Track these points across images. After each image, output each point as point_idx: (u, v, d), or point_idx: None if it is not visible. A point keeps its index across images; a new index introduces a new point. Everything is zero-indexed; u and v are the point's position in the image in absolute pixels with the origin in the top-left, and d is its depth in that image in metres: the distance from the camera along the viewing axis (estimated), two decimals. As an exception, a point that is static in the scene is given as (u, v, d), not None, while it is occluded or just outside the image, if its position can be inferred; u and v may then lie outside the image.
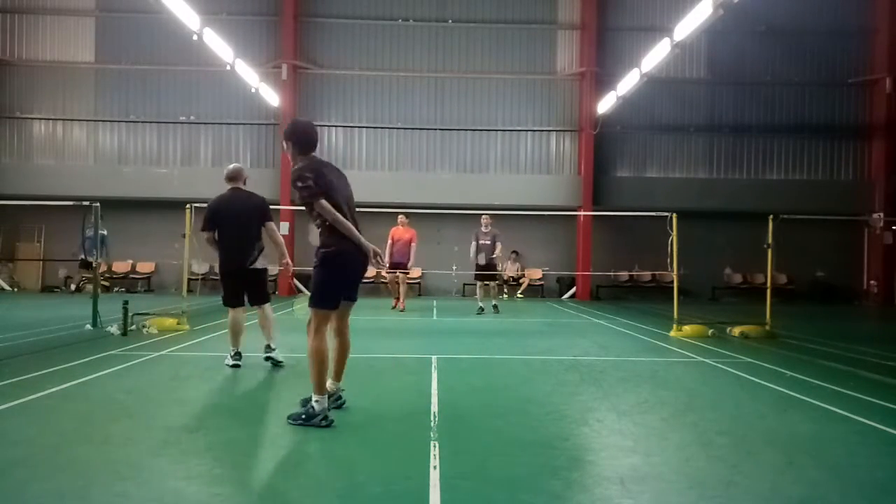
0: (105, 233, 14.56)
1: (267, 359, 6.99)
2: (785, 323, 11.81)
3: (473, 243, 14.19)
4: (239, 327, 7.00)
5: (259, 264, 6.99)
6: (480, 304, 14.27)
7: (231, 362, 6.88)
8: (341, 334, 4.91)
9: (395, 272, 14.74)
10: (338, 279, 4.68)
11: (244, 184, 7.25)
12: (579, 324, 12.84)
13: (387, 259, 14.10)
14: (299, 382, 6.22)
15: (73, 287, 17.05)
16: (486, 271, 14.22)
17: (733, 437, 4.44)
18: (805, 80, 21.73)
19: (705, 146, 21.91)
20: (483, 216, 14.21)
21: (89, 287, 17.18)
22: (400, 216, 14.96)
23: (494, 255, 14.24)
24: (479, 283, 14.49)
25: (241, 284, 6.99)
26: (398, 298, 14.92)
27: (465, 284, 21.35)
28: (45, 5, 21.39)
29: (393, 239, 14.67)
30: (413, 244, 14.53)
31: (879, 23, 21.47)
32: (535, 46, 21.61)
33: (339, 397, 5.00)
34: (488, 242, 14.01)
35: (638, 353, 8.59)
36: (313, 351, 4.52)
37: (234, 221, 6.88)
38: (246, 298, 7.09)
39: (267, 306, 7.19)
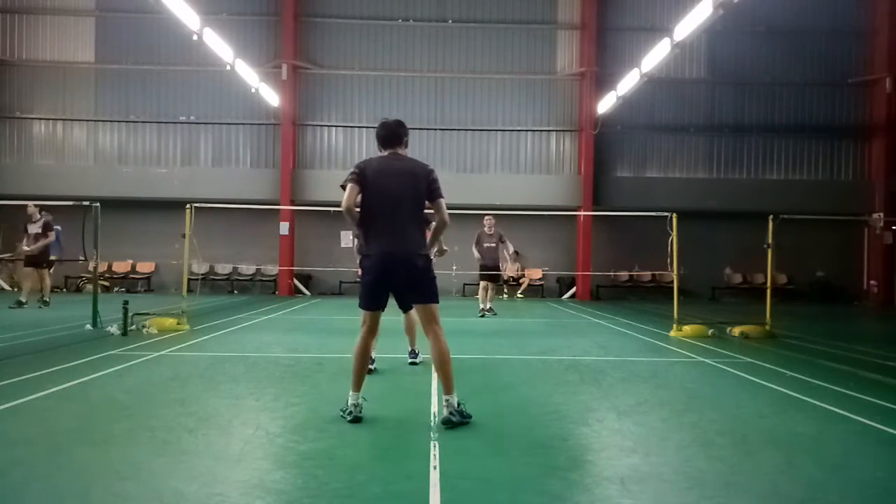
0: (59, 228, 14.63)
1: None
2: (785, 323, 11.82)
3: (476, 246, 14.05)
4: None
5: None
6: (482, 305, 14.21)
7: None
8: (431, 338, 4.68)
9: None
10: (365, 282, 4.71)
11: None
12: (579, 324, 12.84)
13: None
14: (299, 381, 6.22)
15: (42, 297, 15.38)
16: (490, 271, 14.14)
17: (733, 437, 4.44)
18: (805, 80, 21.73)
19: (705, 146, 21.91)
20: (486, 217, 14.09)
21: (89, 288, 17.15)
22: None
23: (510, 254, 14.99)
24: (481, 284, 14.37)
25: None
26: None
27: (465, 284, 21.36)
28: (45, 5, 21.39)
29: None
30: None
31: (879, 23, 21.47)
32: (535, 46, 21.61)
33: (451, 416, 4.54)
34: (493, 245, 13.91)
35: (638, 353, 8.58)
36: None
37: None
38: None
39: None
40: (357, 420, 4.60)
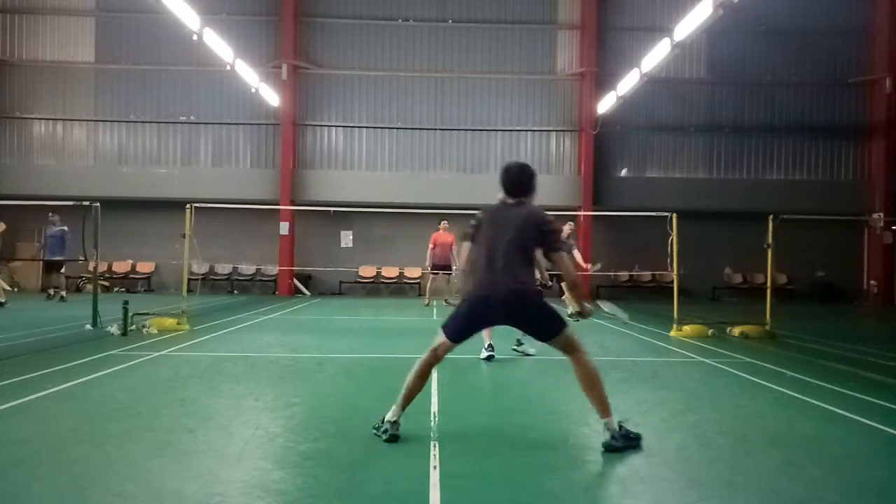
0: (66, 228, 14.69)
1: None
2: (785, 323, 11.81)
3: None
4: None
5: None
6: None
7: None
8: (573, 363, 4.34)
9: (439, 273, 15.62)
10: (460, 308, 4.41)
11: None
12: (578, 324, 12.79)
13: (429, 262, 15.47)
14: (299, 381, 6.22)
15: (58, 294, 15.91)
16: None
17: (733, 437, 4.44)
18: (805, 80, 21.72)
19: (705, 146, 21.90)
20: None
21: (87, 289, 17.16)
22: (443, 222, 15.52)
23: None
24: None
25: None
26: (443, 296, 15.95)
27: (465, 284, 21.33)
28: (45, 5, 21.38)
29: (435, 243, 15.44)
30: (454, 247, 14.99)
31: (879, 23, 21.47)
32: (535, 46, 21.60)
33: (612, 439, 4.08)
34: None
35: (638, 353, 8.59)
36: None
37: None
38: None
39: None
40: (394, 439, 4.18)
